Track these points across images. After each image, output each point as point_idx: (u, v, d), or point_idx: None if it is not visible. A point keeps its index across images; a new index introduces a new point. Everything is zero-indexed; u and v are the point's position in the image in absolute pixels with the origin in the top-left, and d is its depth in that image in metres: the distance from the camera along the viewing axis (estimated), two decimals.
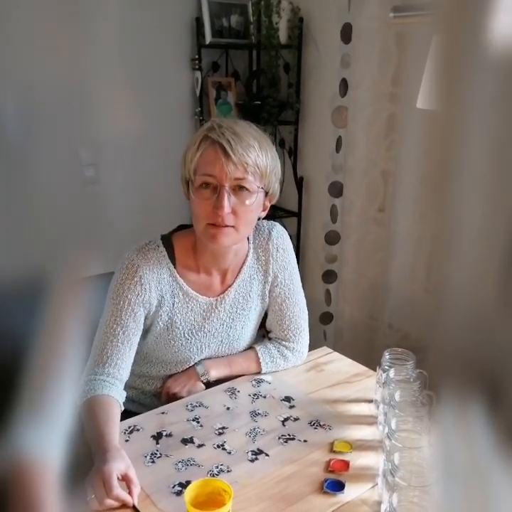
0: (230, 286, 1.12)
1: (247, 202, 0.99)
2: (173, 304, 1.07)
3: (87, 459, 0.86)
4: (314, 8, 2.06)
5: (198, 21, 2.10)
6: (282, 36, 2.10)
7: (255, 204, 1.01)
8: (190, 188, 1.01)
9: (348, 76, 1.85)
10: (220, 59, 2.24)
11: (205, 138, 0.98)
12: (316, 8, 2.05)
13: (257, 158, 0.97)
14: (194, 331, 1.10)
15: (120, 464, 0.82)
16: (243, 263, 1.13)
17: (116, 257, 1.07)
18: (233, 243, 1.03)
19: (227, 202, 0.96)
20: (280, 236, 1.15)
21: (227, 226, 0.98)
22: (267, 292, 1.16)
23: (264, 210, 1.06)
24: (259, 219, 1.08)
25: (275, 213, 2.29)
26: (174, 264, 1.07)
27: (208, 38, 2.09)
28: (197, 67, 2.12)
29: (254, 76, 2.29)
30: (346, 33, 1.81)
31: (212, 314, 1.11)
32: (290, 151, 2.25)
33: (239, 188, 0.98)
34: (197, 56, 2.12)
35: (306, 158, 2.27)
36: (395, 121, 1.79)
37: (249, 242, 1.13)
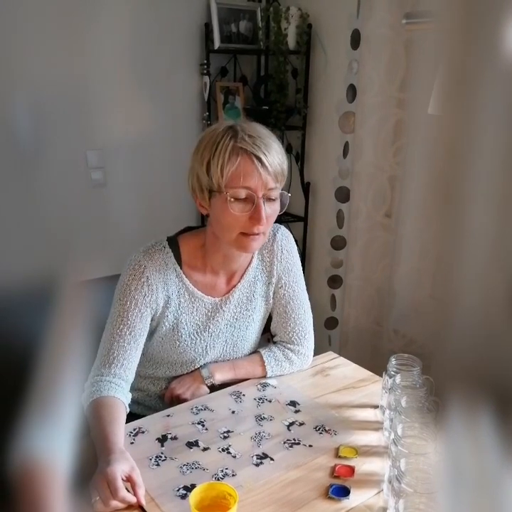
0: (234, 286, 1.12)
1: (276, 208, 1.01)
2: (179, 304, 1.08)
3: (93, 461, 0.86)
4: (323, 15, 2.07)
5: (207, 27, 2.11)
6: (291, 42, 2.11)
7: (278, 209, 1.02)
8: (215, 197, 0.98)
9: (356, 82, 1.85)
10: (229, 64, 2.26)
11: (237, 148, 0.95)
12: (325, 15, 2.06)
13: (283, 164, 0.99)
14: (199, 331, 1.11)
15: (124, 465, 0.82)
16: (249, 264, 1.13)
17: (123, 259, 1.08)
18: (259, 246, 1.05)
19: (264, 212, 0.97)
20: (285, 238, 1.16)
21: (258, 234, 0.99)
22: (271, 294, 1.16)
23: None
24: None
25: (281, 218, 2.29)
26: (180, 264, 1.07)
27: (217, 43, 2.11)
28: (205, 71, 2.13)
29: (262, 81, 2.30)
30: (355, 39, 1.82)
31: (217, 314, 1.11)
32: (297, 156, 2.26)
33: (269, 196, 0.99)
34: (205, 61, 2.13)
35: (313, 163, 2.27)
36: (402, 127, 1.79)
37: None
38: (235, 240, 1.00)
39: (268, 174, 0.96)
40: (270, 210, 0.99)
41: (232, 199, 0.96)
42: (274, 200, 1.00)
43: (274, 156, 0.97)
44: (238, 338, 1.15)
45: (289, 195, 1.03)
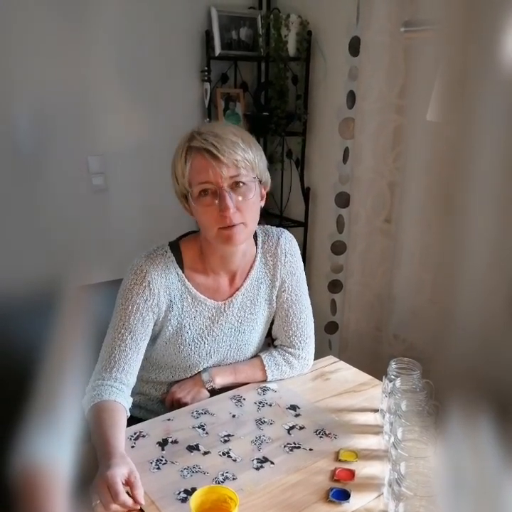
0: (237, 289, 1.13)
1: (248, 195, 1.01)
2: (182, 309, 1.09)
3: (94, 465, 0.86)
4: (323, 22, 2.09)
5: (208, 34, 2.13)
6: (291, 49, 2.13)
7: (255, 195, 1.03)
8: (189, 200, 1.02)
9: (356, 88, 1.87)
10: (229, 71, 2.28)
11: (189, 149, 1.00)
12: (325, 22, 2.08)
13: (244, 153, 0.99)
14: (203, 335, 1.11)
15: (124, 469, 0.82)
16: (251, 267, 1.14)
17: (124, 263, 1.08)
18: (246, 239, 1.05)
19: (231, 201, 0.98)
20: (288, 242, 1.16)
21: (236, 225, 0.99)
22: (274, 297, 1.17)
23: (262, 199, 1.08)
24: (261, 212, 1.09)
25: (282, 223, 2.31)
26: (182, 268, 1.08)
27: (218, 50, 2.12)
28: (206, 78, 2.15)
29: (263, 87, 2.32)
30: (354, 46, 1.83)
31: (221, 318, 1.12)
32: (297, 162, 2.27)
33: (236, 185, 0.99)
34: (206, 68, 2.15)
35: (313, 168, 2.28)
36: (401, 133, 1.80)
37: (257, 247, 1.15)
38: (216, 236, 1.01)
39: (223, 164, 0.97)
40: (241, 199, 0.99)
41: (197, 196, 1.00)
42: (242, 187, 1.00)
43: (229, 146, 0.97)
44: (242, 342, 1.16)
45: (257, 179, 1.03)
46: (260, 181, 1.05)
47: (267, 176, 1.08)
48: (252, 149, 1.02)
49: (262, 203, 1.08)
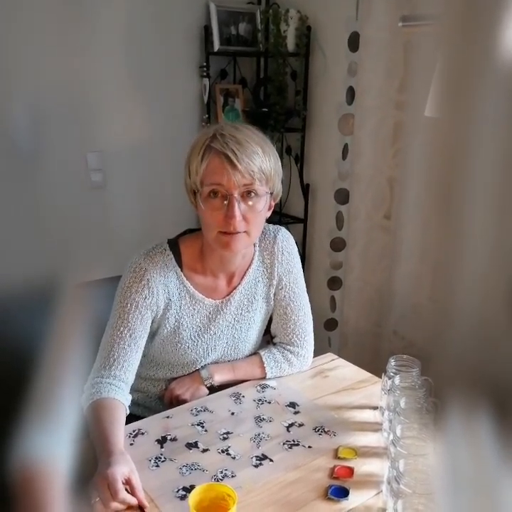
0: (235, 288, 1.13)
1: (257, 207, 1.00)
2: (180, 307, 1.08)
3: (93, 462, 0.86)
4: (322, 17, 2.08)
5: (207, 29, 2.12)
6: (290, 44, 2.12)
7: (264, 207, 1.02)
8: (198, 198, 1.01)
9: (355, 84, 1.86)
10: (228, 66, 2.27)
11: (208, 148, 0.98)
12: (324, 17, 2.07)
13: (262, 164, 0.98)
14: (200, 333, 1.11)
15: (124, 467, 0.82)
16: (249, 266, 1.14)
17: (123, 261, 1.08)
18: (245, 247, 1.05)
19: (238, 210, 0.97)
20: (285, 240, 1.16)
21: (238, 232, 0.99)
22: (271, 295, 1.17)
23: (269, 209, 1.08)
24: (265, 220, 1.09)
25: (281, 219, 2.30)
26: (181, 267, 1.08)
27: (217, 46, 2.11)
28: (205, 74, 2.14)
29: (262, 83, 2.31)
30: (354, 42, 1.82)
31: (218, 316, 1.12)
32: (297, 158, 2.26)
33: (247, 194, 0.99)
34: (205, 63, 2.14)
35: (312, 165, 2.28)
36: (401, 129, 1.80)
37: (255, 245, 1.14)
38: (215, 238, 1.01)
39: (238, 172, 0.96)
40: (249, 209, 0.99)
41: (206, 196, 0.99)
42: (253, 198, 0.99)
43: (248, 155, 0.96)
44: (239, 340, 1.16)
45: (269, 192, 1.02)
46: (271, 193, 1.05)
47: (278, 189, 1.06)
48: (271, 161, 1.01)
49: (269, 214, 1.08)
